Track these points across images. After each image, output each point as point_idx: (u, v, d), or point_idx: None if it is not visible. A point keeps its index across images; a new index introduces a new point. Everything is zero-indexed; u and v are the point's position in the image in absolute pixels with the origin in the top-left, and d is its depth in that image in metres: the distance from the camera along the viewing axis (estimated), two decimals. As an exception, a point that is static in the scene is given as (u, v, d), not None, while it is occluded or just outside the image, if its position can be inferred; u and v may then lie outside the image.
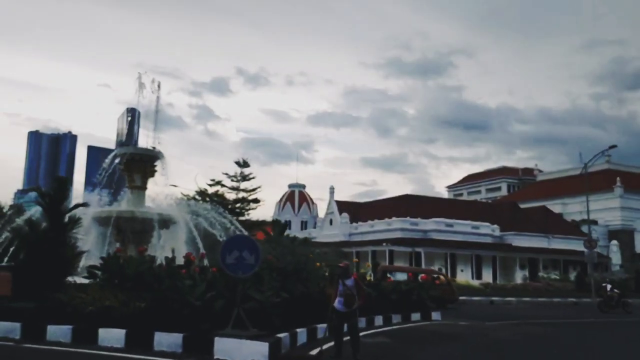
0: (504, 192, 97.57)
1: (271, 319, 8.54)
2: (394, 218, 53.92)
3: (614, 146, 40.13)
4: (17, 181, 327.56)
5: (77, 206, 11.14)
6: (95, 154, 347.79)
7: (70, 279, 10.87)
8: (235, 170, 39.15)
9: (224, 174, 38.89)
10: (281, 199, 71.90)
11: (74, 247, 10.96)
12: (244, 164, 39.34)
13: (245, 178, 39.53)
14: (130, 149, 15.29)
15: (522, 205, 65.42)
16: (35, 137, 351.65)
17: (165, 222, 14.82)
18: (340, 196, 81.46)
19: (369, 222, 56.69)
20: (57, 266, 10.44)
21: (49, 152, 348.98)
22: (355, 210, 61.62)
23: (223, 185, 39.37)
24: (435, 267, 44.76)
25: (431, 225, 53.46)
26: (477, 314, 20.26)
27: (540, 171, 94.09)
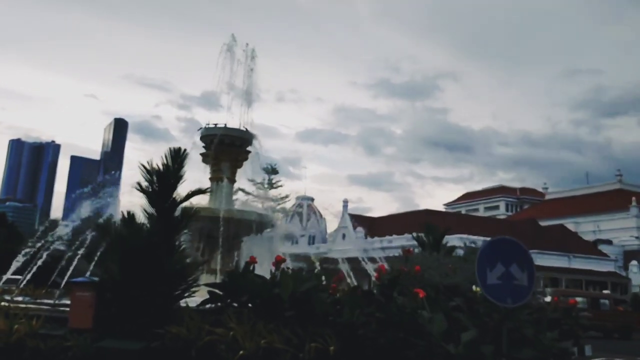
0: (502, 210, 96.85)
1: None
2: (414, 233, 51.20)
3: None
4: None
5: (197, 192, 7.90)
6: (79, 164, 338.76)
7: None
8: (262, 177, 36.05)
9: (249, 180, 35.57)
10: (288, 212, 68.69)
11: (185, 254, 7.76)
12: (272, 171, 36.18)
13: (272, 186, 36.38)
14: (221, 129, 12.04)
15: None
16: (16, 146, 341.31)
17: (262, 226, 11.77)
18: (326, 213, 78.67)
19: (387, 237, 53.87)
20: (167, 282, 7.26)
21: (30, 161, 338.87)
22: (370, 225, 58.77)
23: (247, 193, 36.02)
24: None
25: (454, 241, 50.64)
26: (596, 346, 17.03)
27: (547, 189, 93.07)
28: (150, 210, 7.64)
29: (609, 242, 62.77)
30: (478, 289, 7.94)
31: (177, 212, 7.79)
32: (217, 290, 7.70)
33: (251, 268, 7.92)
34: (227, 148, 12.23)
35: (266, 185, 36.17)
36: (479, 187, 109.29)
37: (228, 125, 12.54)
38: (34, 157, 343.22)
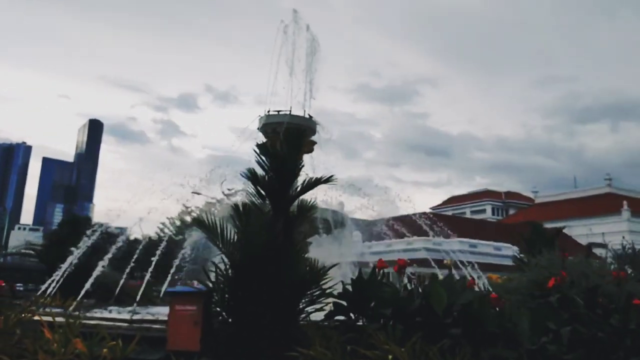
0: (488, 214, 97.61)
1: None
2: (415, 237, 50.30)
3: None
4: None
5: (319, 182, 6.37)
6: (51, 166, 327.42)
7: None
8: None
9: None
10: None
11: (304, 257, 6.20)
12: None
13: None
14: (286, 116, 10.60)
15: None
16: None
17: (330, 226, 10.36)
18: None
19: (386, 241, 52.79)
20: (292, 292, 5.76)
21: None
22: (367, 229, 57.65)
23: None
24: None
25: (455, 245, 50.00)
26: None
27: (537, 192, 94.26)
28: (262, 204, 6.10)
29: (602, 245, 63.34)
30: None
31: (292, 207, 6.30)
32: (342, 302, 6.26)
33: (380, 275, 6.49)
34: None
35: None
36: (457, 191, 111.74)
37: (286, 112, 11.05)
38: (3, 159, 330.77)
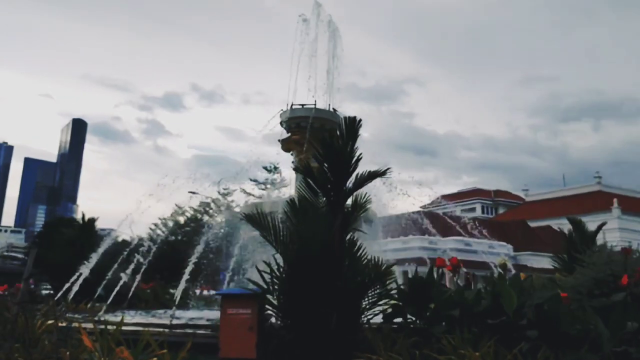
0: (478, 212, 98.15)
1: None
2: (410, 236, 50.16)
3: None
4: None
5: (375, 175, 5.89)
6: (33, 166, 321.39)
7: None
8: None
9: (252, 180, 33.14)
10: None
11: (364, 254, 5.74)
12: (274, 169, 33.93)
13: (275, 186, 34.09)
14: (310, 110, 10.14)
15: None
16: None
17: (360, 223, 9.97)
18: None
19: (381, 240, 52.63)
20: (353, 294, 5.34)
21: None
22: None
23: (249, 194, 33.58)
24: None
25: (451, 243, 50.10)
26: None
27: (527, 191, 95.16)
28: (314, 200, 5.66)
29: (593, 243, 64.05)
30: None
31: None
32: (400, 303, 5.88)
33: (439, 274, 6.12)
34: (315, 133, 10.30)
35: (269, 186, 33.81)
36: (445, 190, 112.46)
37: (307, 107, 10.63)
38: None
